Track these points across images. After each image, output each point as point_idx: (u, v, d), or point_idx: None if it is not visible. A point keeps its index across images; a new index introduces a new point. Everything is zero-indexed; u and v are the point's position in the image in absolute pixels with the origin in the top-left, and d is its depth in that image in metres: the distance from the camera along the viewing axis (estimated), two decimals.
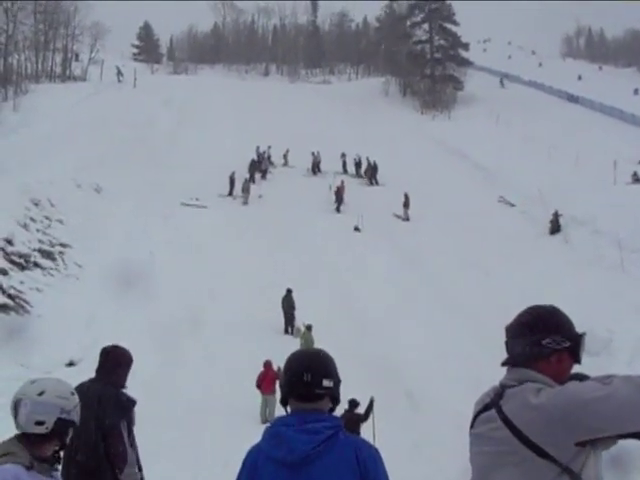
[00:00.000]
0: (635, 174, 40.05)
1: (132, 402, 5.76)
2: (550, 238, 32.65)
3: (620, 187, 37.52)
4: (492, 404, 2.88)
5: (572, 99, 73.38)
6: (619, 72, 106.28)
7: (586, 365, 2.98)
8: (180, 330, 20.49)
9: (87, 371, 5.99)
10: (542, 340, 2.94)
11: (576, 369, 2.98)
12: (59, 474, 3.56)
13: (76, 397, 3.56)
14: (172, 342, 19.65)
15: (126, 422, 5.69)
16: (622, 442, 2.76)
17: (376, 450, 3.12)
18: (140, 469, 5.84)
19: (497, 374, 3.04)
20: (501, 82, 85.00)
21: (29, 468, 3.28)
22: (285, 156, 47.56)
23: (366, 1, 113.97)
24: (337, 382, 3.21)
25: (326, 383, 3.16)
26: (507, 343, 3.01)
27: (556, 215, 32.86)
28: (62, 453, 3.54)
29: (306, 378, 3.15)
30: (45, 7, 74.30)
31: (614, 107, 65.01)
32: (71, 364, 18.67)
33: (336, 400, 3.25)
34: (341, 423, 3.15)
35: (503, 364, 3.01)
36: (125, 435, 5.64)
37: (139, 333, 19.40)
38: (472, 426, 3.00)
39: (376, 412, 14.64)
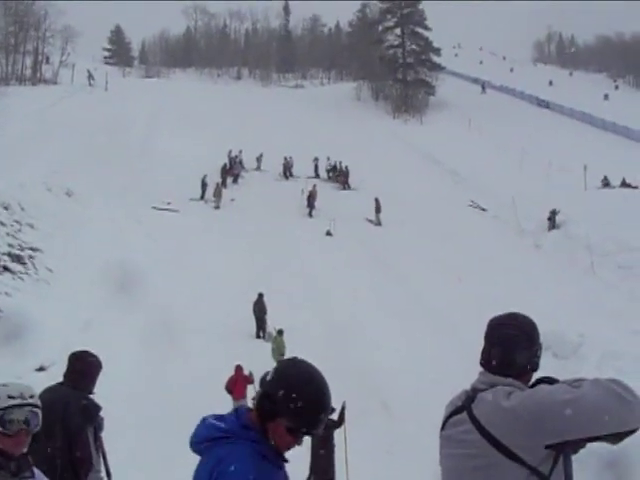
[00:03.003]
0: (605, 179, 40.46)
1: (97, 408, 5.71)
2: (521, 242, 32.90)
3: (591, 192, 37.88)
4: (463, 407, 2.88)
5: (543, 104, 74.01)
6: (590, 78, 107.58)
7: (556, 368, 2.99)
8: (150, 335, 20.35)
9: (57, 376, 5.93)
10: (538, 351, 2.97)
11: (547, 372, 2.98)
12: None
13: None
14: (143, 347, 19.54)
15: (93, 428, 5.65)
16: (621, 446, 2.77)
17: (240, 472, 2.76)
18: (109, 475, 5.79)
19: (472, 379, 3.03)
20: (482, 88, 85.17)
21: None
22: (258, 160, 47.47)
23: (339, 1, 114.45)
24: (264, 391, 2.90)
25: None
26: (504, 352, 2.94)
27: (553, 213, 33.01)
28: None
29: None
30: (15, 9, 73.70)
31: (584, 112, 65.76)
32: (41, 369, 18.46)
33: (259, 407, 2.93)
34: (238, 431, 2.89)
35: (497, 374, 2.93)
36: (91, 440, 5.60)
37: (110, 338, 19.28)
38: (443, 428, 3.00)
39: (349, 418, 14.58)
